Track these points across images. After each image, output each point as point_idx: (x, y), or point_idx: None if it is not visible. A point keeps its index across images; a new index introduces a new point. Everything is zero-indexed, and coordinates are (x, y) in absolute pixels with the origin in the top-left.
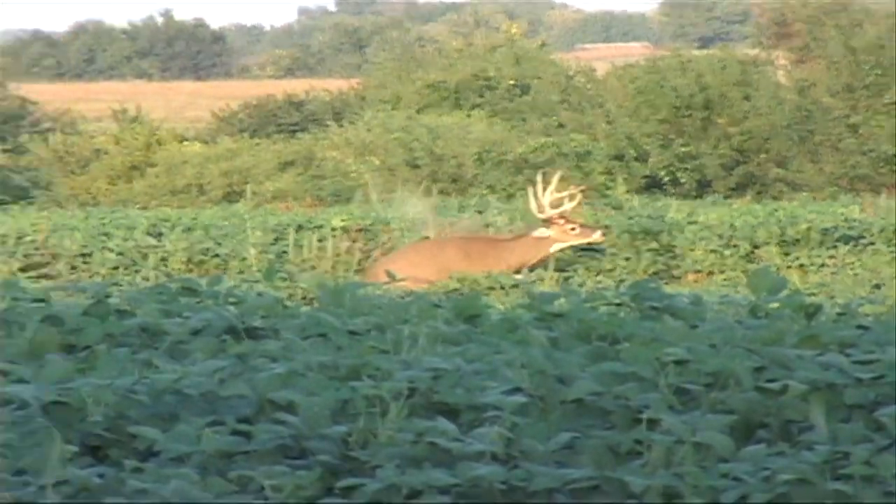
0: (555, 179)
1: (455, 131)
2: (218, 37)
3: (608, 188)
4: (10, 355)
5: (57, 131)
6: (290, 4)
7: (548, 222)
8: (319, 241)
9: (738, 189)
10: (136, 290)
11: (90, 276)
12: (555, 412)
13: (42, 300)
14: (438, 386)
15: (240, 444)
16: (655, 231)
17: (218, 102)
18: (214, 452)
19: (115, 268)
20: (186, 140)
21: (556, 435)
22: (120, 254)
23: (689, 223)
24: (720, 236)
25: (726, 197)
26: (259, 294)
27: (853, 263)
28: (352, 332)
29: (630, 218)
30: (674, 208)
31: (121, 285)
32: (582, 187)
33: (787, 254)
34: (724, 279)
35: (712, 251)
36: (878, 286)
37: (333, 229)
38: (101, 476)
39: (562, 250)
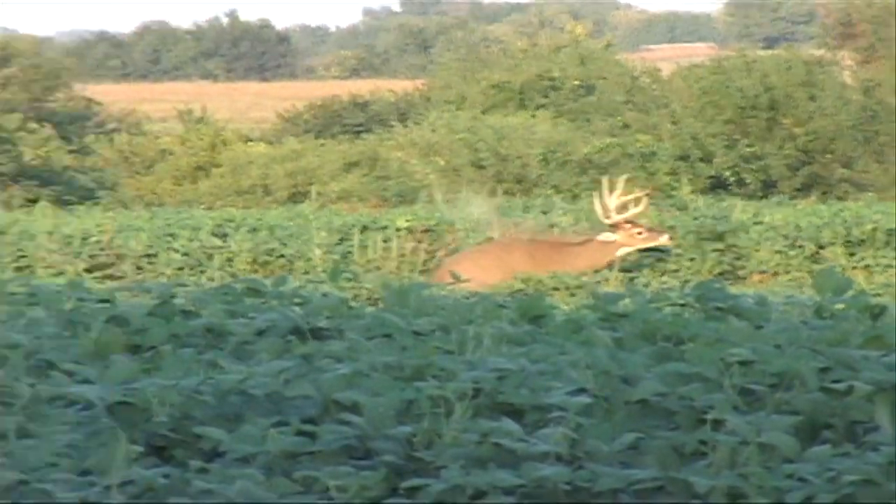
0: (620, 183)
1: (520, 132)
2: (283, 37)
3: (673, 189)
4: (75, 356)
5: (122, 132)
6: (356, 5)
7: (614, 227)
8: (384, 241)
9: (804, 189)
10: (202, 291)
11: (155, 277)
12: (619, 413)
13: (107, 301)
14: (503, 386)
15: (305, 444)
16: (720, 231)
17: (283, 103)
18: (279, 453)
19: (181, 268)
20: (251, 141)
21: (620, 435)
22: (185, 254)
23: (755, 224)
24: (785, 237)
25: (791, 197)
26: (324, 294)
27: None
28: (417, 333)
29: (695, 218)
30: (739, 209)
31: (186, 286)
32: (647, 191)
33: (852, 254)
34: (789, 280)
35: (777, 252)
36: None
37: (398, 230)
38: (166, 476)
39: (628, 254)
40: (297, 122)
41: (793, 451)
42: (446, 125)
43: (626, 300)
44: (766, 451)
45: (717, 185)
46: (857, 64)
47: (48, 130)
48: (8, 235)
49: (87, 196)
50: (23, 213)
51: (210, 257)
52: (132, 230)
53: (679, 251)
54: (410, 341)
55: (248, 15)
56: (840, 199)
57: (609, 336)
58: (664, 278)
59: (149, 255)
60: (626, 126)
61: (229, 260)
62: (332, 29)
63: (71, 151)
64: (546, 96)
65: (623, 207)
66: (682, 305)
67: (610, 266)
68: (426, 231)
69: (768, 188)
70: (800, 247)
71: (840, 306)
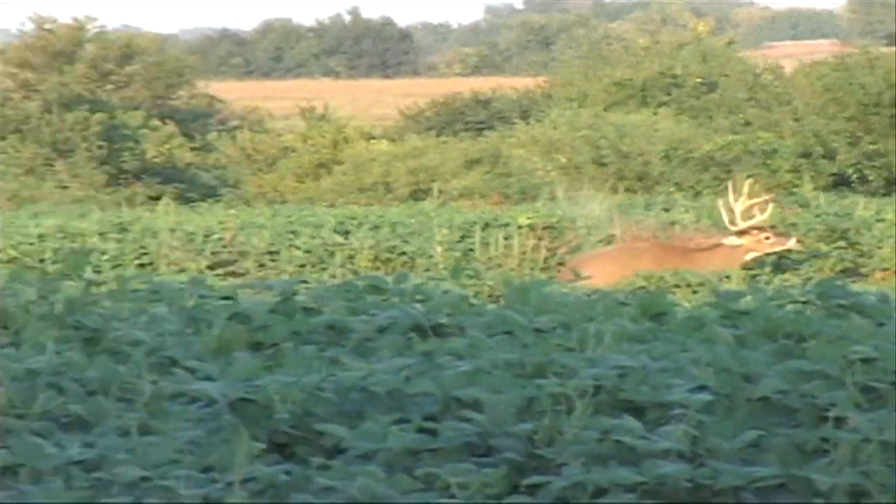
0: (745, 188)
1: (641, 129)
2: (405, 35)
3: (795, 186)
4: (197, 353)
5: (244, 129)
6: (477, 2)
7: (741, 232)
8: (505, 238)
9: None
10: (323, 288)
11: (277, 274)
12: (740, 410)
13: (229, 298)
14: (624, 384)
15: (426, 441)
16: (843, 229)
17: (405, 100)
18: (400, 450)
19: (303, 265)
20: (373, 138)
21: (741, 433)
22: (307, 251)
23: (877, 221)
24: None
25: None
26: (445, 291)
27: None
28: (537, 330)
29: (817, 216)
30: (861, 206)
31: (308, 283)
32: (772, 195)
33: None
34: None
35: None
36: None
37: (519, 227)
38: (287, 473)
39: (756, 258)
40: (418, 120)
41: None
42: (568, 122)
43: (748, 297)
44: (888, 449)
45: (840, 183)
46: None
47: (171, 128)
48: (131, 232)
49: (209, 193)
50: (146, 210)
51: (332, 254)
52: (254, 227)
53: (801, 248)
54: (531, 338)
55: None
56: None
57: (730, 333)
58: (786, 276)
59: (271, 253)
60: (748, 123)
61: (351, 257)
62: (454, 26)
63: (193, 149)
64: (668, 93)
65: (749, 212)
66: (804, 303)
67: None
68: (547, 228)
69: (891, 185)
70: None
71: None
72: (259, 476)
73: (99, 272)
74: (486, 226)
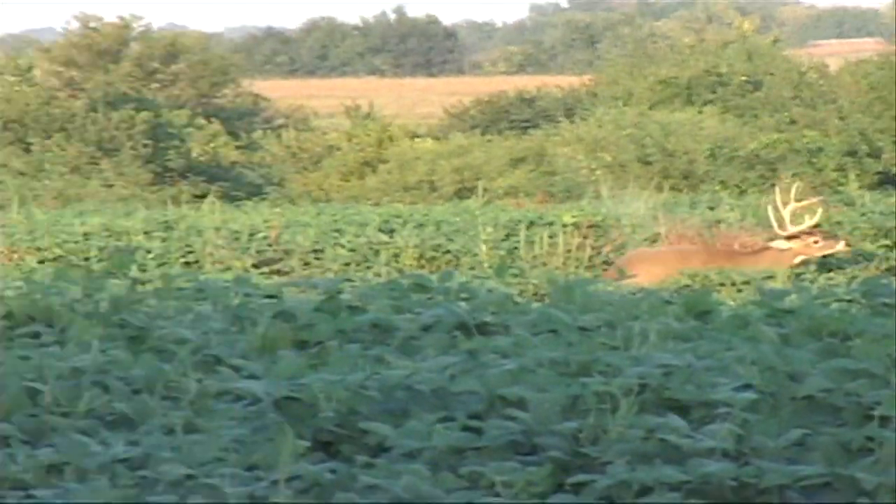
0: (793, 191)
1: (687, 127)
2: (450, 33)
3: (840, 184)
4: (242, 351)
5: (290, 128)
6: (523, 1)
7: (790, 237)
8: (550, 237)
9: None
10: (368, 287)
11: (322, 273)
12: (785, 409)
13: (274, 296)
14: (669, 382)
15: (470, 440)
16: (888, 227)
17: (449, 99)
18: (445, 448)
19: (347, 264)
20: (418, 136)
21: (786, 432)
22: (352, 250)
23: None
24: None
25: None
26: (490, 290)
27: None
28: (582, 329)
29: (862, 214)
30: None
31: (353, 281)
32: (821, 198)
33: None
34: None
35: None
36: None
37: (564, 226)
38: (332, 472)
39: (804, 262)
40: (463, 118)
41: None
42: (613, 121)
43: (793, 296)
44: None
45: (885, 181)
46: None
47: (216, 126)
48: (176, 231)
49: (254, 192)
50: (191, 208)
51: (377, 253)
52: (299, 226)
53: (848, 251)
54: (576, 337)
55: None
56: None
57: (775, 332)
58: (831, 274)
59: (316, 251)
60: (793, 122)
61: (396, 256)
62: (499, 25)
63: (238, 147)
64: (713, 92)
65: (797, 216)
66: (849, 301)
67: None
68: (592, 227)
69: None
70: None
71: None
72: (304, 474)
73: (144, 270)
74: (531, 224)
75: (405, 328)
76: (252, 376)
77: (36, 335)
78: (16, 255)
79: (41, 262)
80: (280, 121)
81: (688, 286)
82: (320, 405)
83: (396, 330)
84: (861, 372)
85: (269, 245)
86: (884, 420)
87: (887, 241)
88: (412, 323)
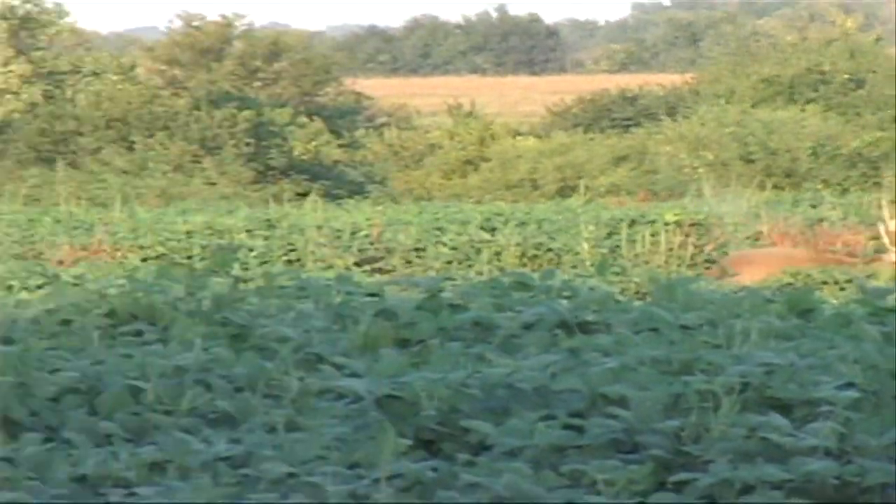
0: None
1: (789, 125)
2: (552, 32)
3: None
4: (344, 349)
5: (392, 126)
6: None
7: None
8: (652, 235)
9: None
10: (470, 285)
11: (424, 271)
12: (888, 407)
13: (376, 294)
14: (771, 381)
15: (572, 438)
16: None
17: (552, 97)
18: (547, 446)
19: (449, 262)
20: (520, 135)
21: (889, 430)
22: (453, 248)
23: None
24: None
25: None
26: (591, 288)
27: None
28: (684, 327)
29: None
30: None
31: (454, 279)
32: None
33: None
34: None
35: None
36: None
37: (666, 224)
38: (433, 470)
39: None
40: (565, 116)
41: None
42: (715, 119)
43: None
44: None
45: None
46: None
47: (318, 125)
48: (278, 229)
49: (356, 190)
50: (293, 206)
51: (478, 251)
52: (401, 224)
53: None
54: (678, 335)
55: (518, 9)
56: None
57: (878, 330)
58: None
59: (417, 249)
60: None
61: (497, 254)
62: (601, 23)
63: (340, 145)
64: (816, 90)
65: None
66: None
67: None
68: (694, 225)
69: None
70: None
71: None
72: (405, 472)
73: (246, 269)
74: (633, 222)
75: (507, 326)
76: (354, 374)
77: (139, 333)
78: (119, 254)
79: (144, 260)
80: (382, 119)
81: (790, 284)
82: (422, 403)
83: (498, 328)
84: None
85: (371, 243)
86: None
87: None
88: (514, 321)
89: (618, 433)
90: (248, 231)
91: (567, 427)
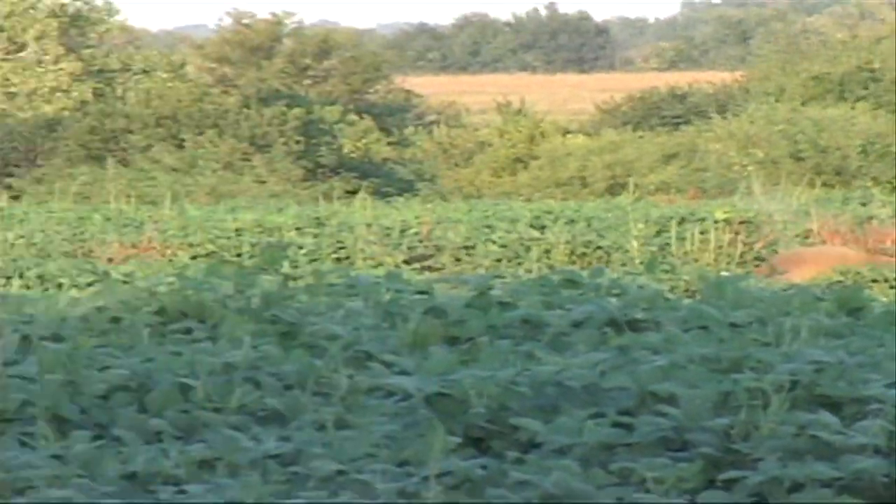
0: None
1: (839, 123)
2: (602, 29)
3: None
4: (393, 347)
5: (441, 124)
6: None
7: None
8: (702, 233)
9: None
10: (519, 282)
11: (473, 269)
12: None
13: (425, 292)
14: (821, 379)
15: (621, 436)
16: None
17: (601, 95)
18: (596, 444)
19: (499, 260)
20: (570, 132)
21: None
22: (503, 246)
23: None
24: None
25: None
26: (641, 286)
27: None
28: (733, 325)
29: None
30: None
31: (504, 277)
32: None
33: None
34: None
35: None
36: None
37: (716, 222)
38: (483, 467)
39: None
40: (615, 114)
41: None
42: (765, 117)
43: None
44: None
45: None
46: None
47: (368, 122)
48: (328, 227)
49: (405, 188)
50: (342, 204)
51: (528, 249)
52: (450, 222)
53: None
54: (727, 333)
55: (567, 7)
56: None
57: None
58: None
59: (467, 247)
60: None
61: (547, 251)
62: (651, 21)
63: (390, 143)
64: (866, 88)
65: None
66: None
67: None
68: (744, 223)
69: None
70: None
71: None
72: (455, 470)
73: (296, 266)
74: (683, 220)
75: (556, 324)
76: (403, 372)
77: (188, 331)
78: (168, 251)
79: (193, 257)
80: (432, 117)
81: (839, 282)
82: (471, 401)
83: (547, 326)
84: None
85: (421, 241)
86: None
87: None
88: (563, 319)
89: (667, 431)
90: (297, 229)
91: (616, 425)
